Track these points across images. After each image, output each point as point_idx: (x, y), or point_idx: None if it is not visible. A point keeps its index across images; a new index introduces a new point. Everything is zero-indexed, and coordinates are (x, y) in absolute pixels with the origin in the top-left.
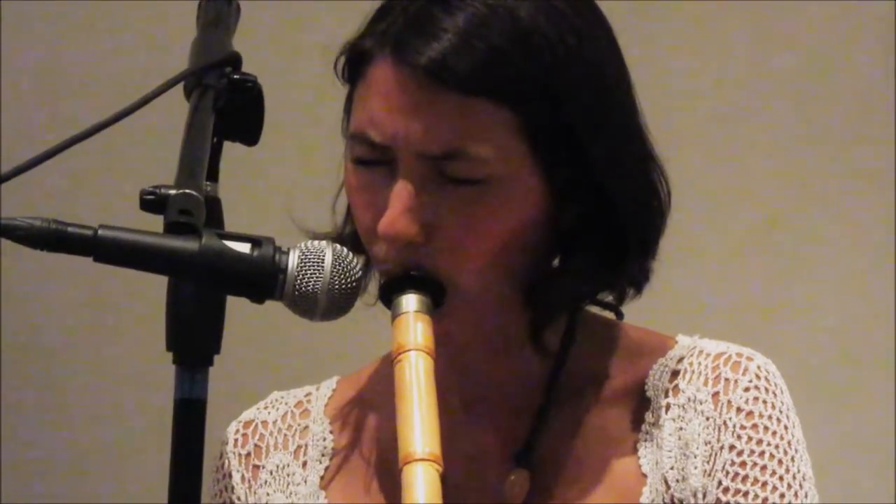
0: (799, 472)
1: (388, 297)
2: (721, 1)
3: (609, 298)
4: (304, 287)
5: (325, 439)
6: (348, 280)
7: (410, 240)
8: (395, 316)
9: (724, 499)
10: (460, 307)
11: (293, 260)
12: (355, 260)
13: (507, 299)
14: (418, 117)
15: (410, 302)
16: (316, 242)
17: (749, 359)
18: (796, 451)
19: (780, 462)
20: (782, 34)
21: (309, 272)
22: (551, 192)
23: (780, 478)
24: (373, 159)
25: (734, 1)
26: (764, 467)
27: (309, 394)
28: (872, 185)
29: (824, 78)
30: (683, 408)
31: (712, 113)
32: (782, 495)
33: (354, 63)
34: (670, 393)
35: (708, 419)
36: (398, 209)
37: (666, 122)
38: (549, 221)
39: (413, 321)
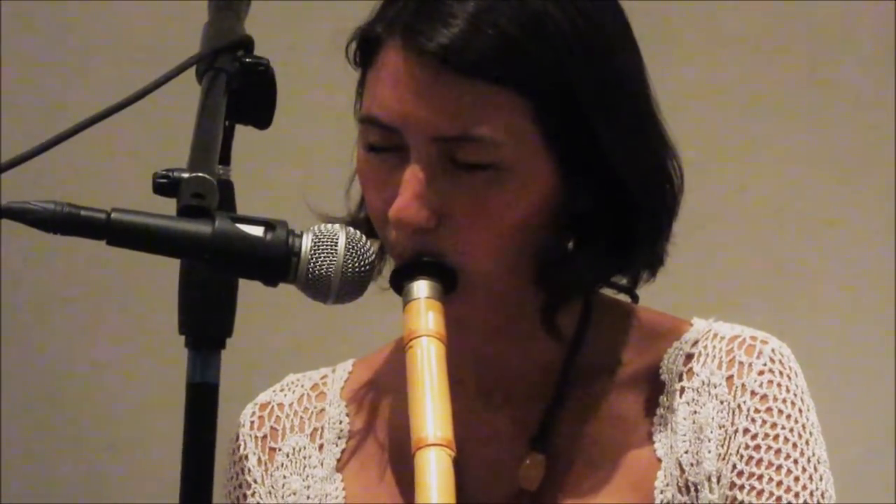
0: (814, 455)
1: (399, 283)
2: (727, 1)
3: (624, 282)
4: (318, 270)
5: (341, 422)
6: (362, 263)
7: (421, 226)
8: (406, 302)
9: (738, 482)
10: (472, 292)
11: (306, 243)
12: (369, 243)
13: (520, 284)
14: (428, 101)
15: (421, 288)
16: (329, 225)
17: (764, 342)
18: (811, 434)
19: (794, 445)
20: (785, 34)
21: (322, 255)
22: (563, 176)
23: (795, 461)
24: (384, 146)
25: (741, 1)
26: (778, 451)
27: (325, 376)
28: (874, 181)
29: (826, 76)
30: (698, 391)
31: (719, 106)
32: (797, 478)
33: (365, 48)
34: (684, 376)
35: (722, 403)
36: (409, 195)
37: (674, 113)
38: (561, 206)
39: (424, 307)
